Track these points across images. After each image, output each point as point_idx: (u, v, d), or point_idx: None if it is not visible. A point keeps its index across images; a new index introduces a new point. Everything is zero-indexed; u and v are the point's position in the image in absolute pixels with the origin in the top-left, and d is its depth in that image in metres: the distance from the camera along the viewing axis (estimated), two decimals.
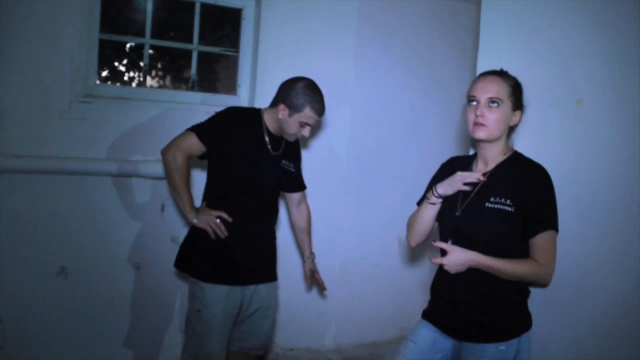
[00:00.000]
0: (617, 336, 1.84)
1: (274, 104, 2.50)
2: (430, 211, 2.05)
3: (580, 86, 1.99)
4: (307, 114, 2.42)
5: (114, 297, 3.15)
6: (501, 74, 1.96)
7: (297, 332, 3.63)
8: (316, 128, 3.47)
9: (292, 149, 2.66)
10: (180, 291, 3.30)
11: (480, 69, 2.32)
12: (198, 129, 2.44)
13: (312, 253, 2.79)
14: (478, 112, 1.89)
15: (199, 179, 2.58)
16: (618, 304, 1.85)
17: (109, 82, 4.54)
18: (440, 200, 2.01)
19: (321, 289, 2.85)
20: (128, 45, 4.52)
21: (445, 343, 2.01)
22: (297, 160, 2.70)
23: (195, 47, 3.40)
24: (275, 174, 2.54)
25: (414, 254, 3.93)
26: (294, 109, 2.42)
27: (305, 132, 2.47)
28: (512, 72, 1.98)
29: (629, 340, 1.81)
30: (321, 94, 2.47)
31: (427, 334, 2.03)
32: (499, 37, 2.31)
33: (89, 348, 3.11)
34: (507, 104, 1.91)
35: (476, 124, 1.90)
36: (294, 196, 2.75)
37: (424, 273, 3.91)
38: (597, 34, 1.95)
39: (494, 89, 1.89)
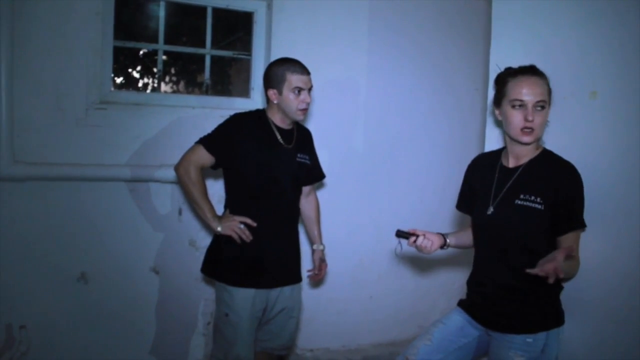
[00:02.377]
0: None
1: (267, 98, 2.54)
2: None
3: (594, 79, 1.96)
4: (291, 79, 2.44)
5: (134, 301, 3.18)
6: (536, 72, 1.91)
7: (317, 333, 3.63)
8: (330, 128, 3.47)
9: (305, 140, 2.67)
10: (201, 294, 3.32)
11: (492, 64, 2.31)
12: (205, 141, 2.47)
13: (322, 243, 2.77)
14: (530, 118, 1.85)
15: (208, 185, 2.60)
16: None
17: (124, 89, 4.57)
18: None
19: (314, 279, 2.78)
20: (141, 52, 4.56)
21: (472, 331, 2.06)
22: (311, 151, 2.70)
23: (208, 51, 3.42)
24: (292, 168, 2.54)
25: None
26: (278, 84, 2.45)
27: (304, 97, 2.46)
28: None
29: None
30: (294, 59, 2.50)
31: (458, 319, 2.10)
32: (511, 31, 2.30)
33: (110, 353, 3.14)
34: (548, 104, 1.90)
35: (525, 128, 1.87)
36: (306, 187, 2.74)
37: (441, 271, 3.91)
38: (609, 25, 1.92)
39: (539, 91, 1.86)
